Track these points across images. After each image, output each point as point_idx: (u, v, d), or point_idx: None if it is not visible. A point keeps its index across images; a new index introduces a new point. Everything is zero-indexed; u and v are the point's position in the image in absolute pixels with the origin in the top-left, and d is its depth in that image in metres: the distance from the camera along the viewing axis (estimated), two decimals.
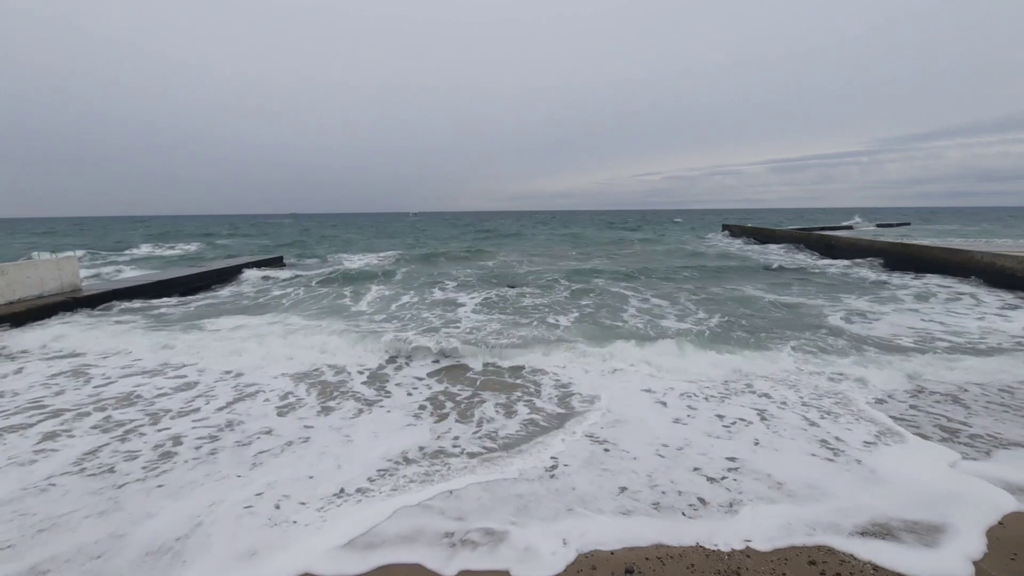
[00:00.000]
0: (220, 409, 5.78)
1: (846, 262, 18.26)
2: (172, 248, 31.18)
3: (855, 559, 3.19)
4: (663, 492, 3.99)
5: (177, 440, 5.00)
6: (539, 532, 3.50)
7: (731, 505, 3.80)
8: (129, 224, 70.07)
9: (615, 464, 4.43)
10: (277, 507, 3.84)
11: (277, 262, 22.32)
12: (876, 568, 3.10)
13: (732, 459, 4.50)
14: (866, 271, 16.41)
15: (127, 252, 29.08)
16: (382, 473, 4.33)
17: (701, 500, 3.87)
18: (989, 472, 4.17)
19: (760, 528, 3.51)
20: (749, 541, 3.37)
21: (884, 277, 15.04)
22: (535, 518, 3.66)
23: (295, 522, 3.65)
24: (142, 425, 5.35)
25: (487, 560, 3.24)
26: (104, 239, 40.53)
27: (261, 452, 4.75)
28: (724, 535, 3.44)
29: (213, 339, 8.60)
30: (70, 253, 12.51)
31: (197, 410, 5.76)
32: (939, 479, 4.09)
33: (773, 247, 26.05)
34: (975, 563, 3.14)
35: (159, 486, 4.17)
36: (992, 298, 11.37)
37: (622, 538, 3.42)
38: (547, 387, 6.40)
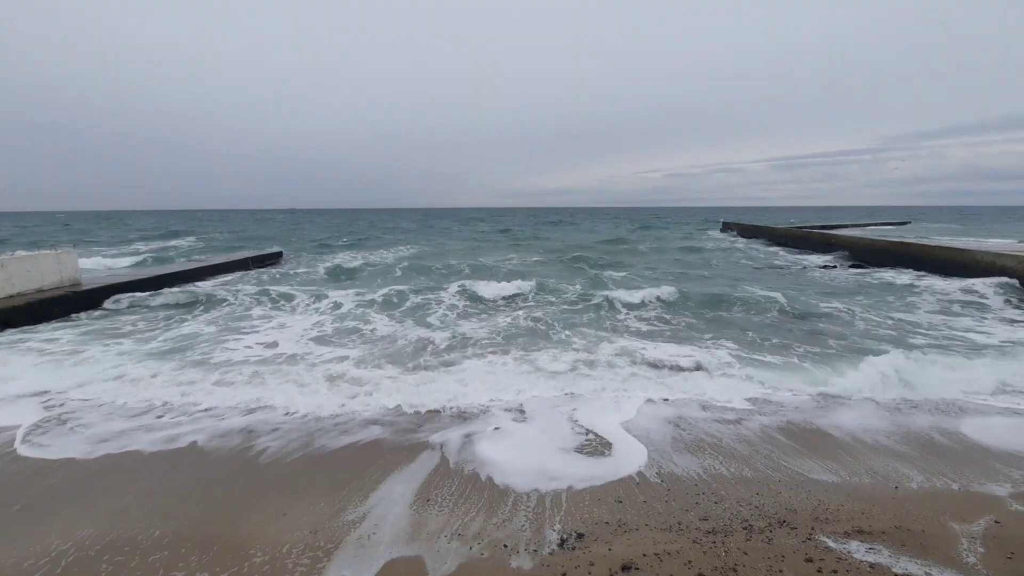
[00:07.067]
0: None
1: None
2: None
3: (851, 557, 3.20)
4: None
5: None
6: None
7: None
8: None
9: None
10: None
11: (276, 257, 22.28)
12: (872, 566, 3.11)
13: None
14: None
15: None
16: None
17: None
18: None
19: None
20: (746, 534, 3.39)
21: None
22: None
23: None
24: None
25: None
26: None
27: None
28: None
29: None
30: (69, 247, 12.46)
31: None
32: None
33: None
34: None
35: None
36: None
37: None
38: None
